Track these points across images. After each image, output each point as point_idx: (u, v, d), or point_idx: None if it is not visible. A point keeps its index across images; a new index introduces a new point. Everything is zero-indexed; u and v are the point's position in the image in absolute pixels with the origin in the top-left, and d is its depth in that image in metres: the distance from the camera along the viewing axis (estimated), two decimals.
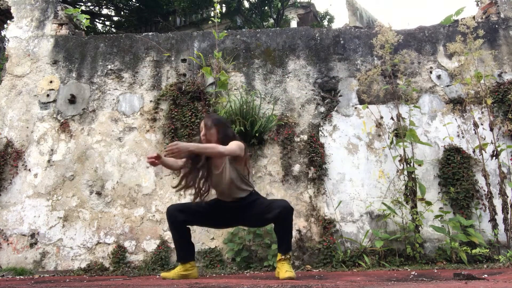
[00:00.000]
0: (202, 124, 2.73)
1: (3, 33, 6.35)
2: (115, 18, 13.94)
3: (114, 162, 4.30)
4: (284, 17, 12.66)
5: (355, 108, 4.35)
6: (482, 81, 3.89)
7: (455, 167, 4.00)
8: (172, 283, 2.28)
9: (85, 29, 5.41)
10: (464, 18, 4.14)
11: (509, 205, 3.58)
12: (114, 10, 13.51)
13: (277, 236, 2.69)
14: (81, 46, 4.80)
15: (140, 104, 4.52)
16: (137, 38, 4.81)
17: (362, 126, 4.29)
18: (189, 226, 2.79)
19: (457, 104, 4.24)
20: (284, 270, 2.55)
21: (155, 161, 2.62)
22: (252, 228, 3.66)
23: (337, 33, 4.69)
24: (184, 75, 4.62)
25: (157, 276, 3.31)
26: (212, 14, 4.78)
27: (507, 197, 3.61)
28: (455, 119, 4.20)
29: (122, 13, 13.38)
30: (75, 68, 4.70)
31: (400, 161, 3.82)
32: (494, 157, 3.74)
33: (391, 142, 4.05)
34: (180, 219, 2.68)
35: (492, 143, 3.82)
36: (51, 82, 4.64)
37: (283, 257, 2.63)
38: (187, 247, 2.77)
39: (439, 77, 4.40)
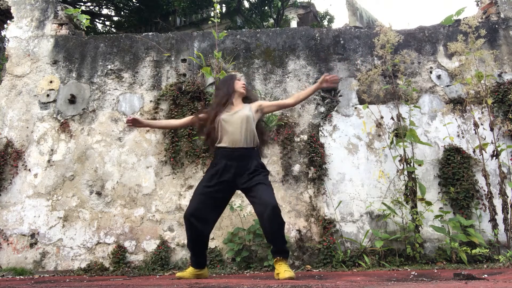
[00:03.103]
0: (242, 79, 3.07)
1: (3, 33, 6.35)
2: (115, 18, 13.94)
3: (114, 162, 4.30)
4: (284, 17, 12.67)
5: (355, 108, 4.35)
6: (482, 81, 3.89)
7: (455, 167, 3.99)
8: (172, 283, 2.28)
9: (85, 29, 5.41)
10: (466, 17, 4.13)
11: (509, 205, 3.58)
12: (114, 10, 13.51)
13: (267, 240, 2.72)
14: (81, 46, 4.80)
15: (140, 104, 4.52)
16: (137, 38, 4.81)
17: (362, 126, 4.28)
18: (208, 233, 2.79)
19: (457, 104, 4.24)
20: (283, 270, 2.55)
21: (132, 124, 2.92)
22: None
23: (337, 33, 4.69)
24: (184, 75, 4.62)
25: (157, 276, 3.31)
26: (212, 14, 4.77)
27: (507, 197, 3.61)
28: (455, 119, 4.20)
29: (122, 13, 13.39)
30: (75, 68, 4.70)
31: (400, 161, 3.82)
32: (494, 157, 3.74)
33: (391, 142, 4.05)
34: (199, 229, 2.68)
35: (492, 143, 3.81)
36: (51, 82, 4.64)
37: (278, 257, 2.65)
38: (203, 255, 2.83)
39: (439, 77, 4.40)
